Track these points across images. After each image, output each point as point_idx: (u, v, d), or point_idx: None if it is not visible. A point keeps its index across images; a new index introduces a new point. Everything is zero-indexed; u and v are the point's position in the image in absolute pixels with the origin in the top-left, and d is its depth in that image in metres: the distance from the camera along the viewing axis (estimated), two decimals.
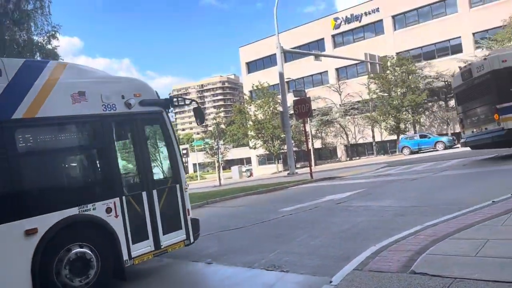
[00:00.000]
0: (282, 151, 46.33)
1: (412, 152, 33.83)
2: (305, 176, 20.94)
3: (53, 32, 22.40)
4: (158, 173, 7.00)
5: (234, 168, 49.82)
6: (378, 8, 44.11)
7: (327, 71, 47.99)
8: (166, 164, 7.07)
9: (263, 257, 6.47)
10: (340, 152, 48.52)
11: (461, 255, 4.75)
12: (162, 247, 6.47)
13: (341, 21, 47.35)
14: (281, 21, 40.37)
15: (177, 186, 6.86)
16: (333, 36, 48.42)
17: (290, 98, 26.00)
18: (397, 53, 41.73)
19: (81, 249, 5.54)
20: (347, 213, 9.02)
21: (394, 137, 40.47)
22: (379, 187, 12.51)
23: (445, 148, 32.08)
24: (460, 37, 38.92)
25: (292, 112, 25.16)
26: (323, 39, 48.68)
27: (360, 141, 46.39)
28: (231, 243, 7.62)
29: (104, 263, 5.73)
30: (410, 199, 9.51)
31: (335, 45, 48.28)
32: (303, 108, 19.57)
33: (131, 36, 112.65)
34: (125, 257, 5.96)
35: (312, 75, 49.79)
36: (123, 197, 6.08)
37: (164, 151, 7.02)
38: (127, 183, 6.56)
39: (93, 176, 6.38)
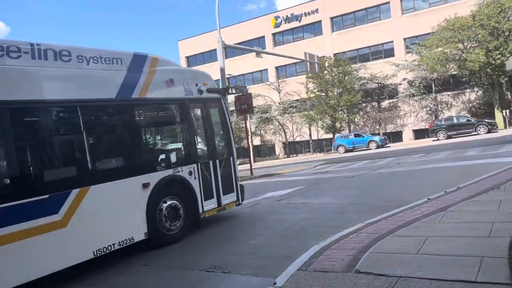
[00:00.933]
0: None
1: (347, 150, 34.96)
2: (245, 172, 20.82)
3: None
4: (218, 147, 8.69)
5: None
6: (317, 9, 45.04)
7: (267, 69, 48.28)
8: (223, 140, 8.86)
9: (203, 258, 6.17)
10: (278, 149, 49.13)
11: (403, 253, 4.77)
12: (222, 205, 8.30)
13: (282, 20, 47.78)
14: (221, 18, 40.21)
15: (231, 158, 8.77)
16: (273, 34, 48.73)
17: (231, 95, 25.66)
18: (335, 54, 42.86)
19: (174, 201, 7.30)
20: (288, 210, 8.95)
21: (330, 135, 41.64)
22: (319, 184, 12.64)
23: (378, 147, 33.49)
24: (392, 41, 40.79)
25: (232, 108, 24.94)
26: (263, 37, 48.85)
27: (298, 139, 47.24)
28: (168, 244, 7.19)
29: (187, 214, 7.51)
30: (349, 197, 9.65)
31: (275, 43, 48.63)
32: (244, 105, 19.33)
33: (63, 23, 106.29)
34: (200, 210, 7.76)
35: (252, 73, 49.86)
36: (198, 164, 7.83)
37: (222, 129, 8.81)
38: (200, 153, 8.14)
39: (181, 145, 8.08)
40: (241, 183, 9.05)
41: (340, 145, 36.18)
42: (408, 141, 38.35)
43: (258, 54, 24.12)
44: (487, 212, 6.01)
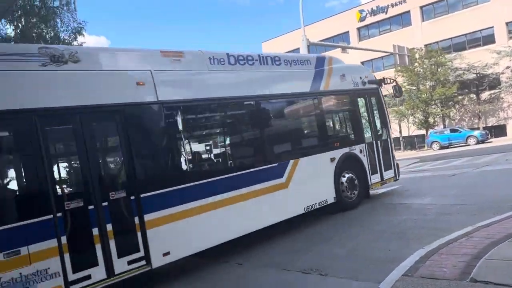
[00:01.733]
0: None
1: (442, 147, 32.62)
2: None
3: (79, 29, 22.37)
4: (378, 130, 10.04)
5: None
6: None
7: None
8: (382, 123, 10.14)
9: (298, 259, 6.04)
10: None
11: None
12: (384, 179, 9.69)
13: (367, 14, 46.14)
14: (303, 16, 38.81)
15: (388, 140, 10.16)
16: (358, 29, 47.24)
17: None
18: (426, 45, 40.31)
19: (351, 174, 8.82)
20: (385, 211, 8.48)
21: (423, 131, 39.22)
22: (416, 183, 11.83)
23: (478, 142, 30.79)
24: (492, 27, 37.23)
25: None
26: (348, 32, 47.58)
27: None
28: (261, 243, 7.18)
29: (360, 185, 9.02)
30: (452, 197, 8.89)
31: (360, 38, 47.10)
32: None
33: (151, 32, 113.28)
34: (369, 183, 9.23)
35: None
36: (365, 144, 9.35)
37: (380, 115, 10.14)
38: (366, 134, 9.61)
39: (353, 128, 9.52)
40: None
41: (434, 141, 33.88)
42: None
43: (343, 49, 23.48)
44: None
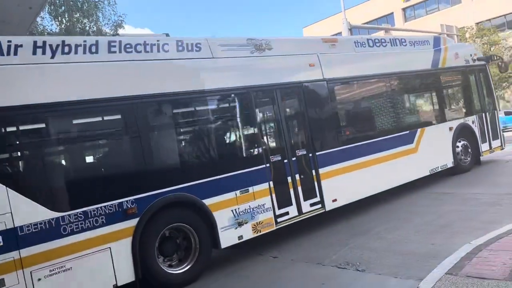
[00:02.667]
0: None
1: None
2: None
3: (120, 22, 22.85)
4: (486, 102, 10.93)
5: None
6: None
7: None
8: (489, 98, 11.07)
9: (333, 253, 5.78)
10: None
11: None
12: (492, 148, 10.74)
13: None
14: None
15: (495, 111, 11.17)
16: (403, 9, 45.20)
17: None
18: (477, 23, 37.98)
19: (464, 141, 10.01)
20: (429, 201, 7.97)
21: None
22: (465, 171, 11.10)
23: None
24: None
25: None
26: (392, 13, 45.65)
27: None
28: (297, 236, 6.95)
29: (472, 152, 10.20)
30: (505, 185, 8.20)
31: (406, 19, 45.05)
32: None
33: (190, 23, 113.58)
34: (480, 150, 10.35)
35: None
36: (476, 115, 10.45)
37: (487, 89, 11.02)
38: (476, 107, 10.66)
39: (465, 101, 10.65)
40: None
41: None
42: None
43: (386, 31, 22.48)
44: None
